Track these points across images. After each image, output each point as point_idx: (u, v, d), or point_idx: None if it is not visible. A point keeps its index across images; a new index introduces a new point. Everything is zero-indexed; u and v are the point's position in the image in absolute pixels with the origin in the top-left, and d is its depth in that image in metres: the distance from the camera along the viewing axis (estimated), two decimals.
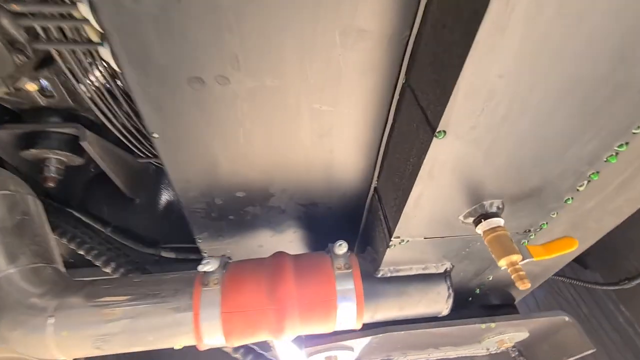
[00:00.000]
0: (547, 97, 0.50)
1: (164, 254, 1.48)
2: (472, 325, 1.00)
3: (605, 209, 0.85)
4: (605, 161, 0.63)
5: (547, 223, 0.80)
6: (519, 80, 0.47)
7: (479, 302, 1.19)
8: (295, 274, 0.87)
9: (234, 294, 0.83)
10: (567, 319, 1.03)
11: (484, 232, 0.70)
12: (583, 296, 1.48)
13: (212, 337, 0.82)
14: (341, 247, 0.90)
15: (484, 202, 0.69)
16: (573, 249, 0.67)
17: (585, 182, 0.68)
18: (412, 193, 0.65)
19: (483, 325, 1.01)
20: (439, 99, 0.52)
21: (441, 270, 0.92)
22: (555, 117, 0.54)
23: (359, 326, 0.90)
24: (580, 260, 1.54)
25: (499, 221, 0.69)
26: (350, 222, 1.07)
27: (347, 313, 0.86)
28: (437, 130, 0.53)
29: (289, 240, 1.10)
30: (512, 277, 0.64)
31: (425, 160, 0.58)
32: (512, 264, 0.64)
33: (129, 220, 1.46)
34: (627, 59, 0.47)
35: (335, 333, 0.92)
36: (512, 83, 0.48)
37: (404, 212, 0.70)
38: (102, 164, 1.10)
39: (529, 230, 0.83)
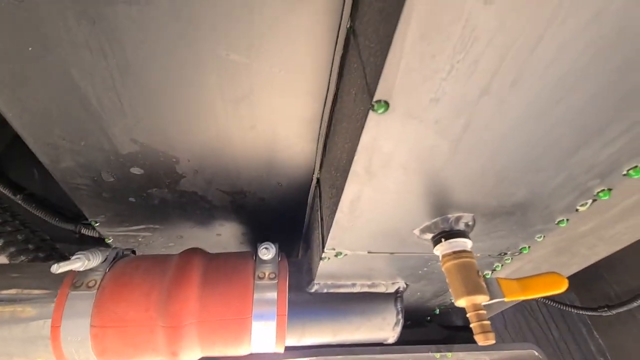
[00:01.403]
0: (564, 50, 0.30)
1: (85, 231, 1.26)
2: (424, 354, 0.84)
3: (601, 235, 0.67)
4: (624, 175, 0.44)
5: (529, 247, 0.61)
6: (522, 13, 0.26)
7: (438, 321, 1.02)
8: (202, 280, 0.67)
9: (111, 303, 0.63)
10: (536, 353, 0.87)
11: (444, 256, 0.50)
12: (555, 317, 1.34)
13: (79, 357, 0.62)
14: (267, 251, 0.70)
15: (448, 216, 0.49)
16: (560, 291, 0.48)
17: (590, 201, 0.49)
18: (344, 193, 0.45)
19: (438, 355, 0.84)
20: (380, 42, 0.30)
21: (391, 290, 0.73)
22: (572, 91, 0.33)
23: (280, 350, 0.71)
24: None
25: (465, 243, 0.50)
26: (294, 219, 0.87)
27: (264, 334, 0.67)
28: (375, 98, 0.32)
29: (217, 234, 0.89)
30: (472, 325, 0.45)
31: (359, 148, 0.37)
32: (475, 307, 0.45)
33: (55, 189, 1.23)
34: None
35: (253, 356, 0.74)
36: (506, 17, 0.26)
37: (336, 217, 0.50)
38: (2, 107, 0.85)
39: (505, 254, 0.65)
